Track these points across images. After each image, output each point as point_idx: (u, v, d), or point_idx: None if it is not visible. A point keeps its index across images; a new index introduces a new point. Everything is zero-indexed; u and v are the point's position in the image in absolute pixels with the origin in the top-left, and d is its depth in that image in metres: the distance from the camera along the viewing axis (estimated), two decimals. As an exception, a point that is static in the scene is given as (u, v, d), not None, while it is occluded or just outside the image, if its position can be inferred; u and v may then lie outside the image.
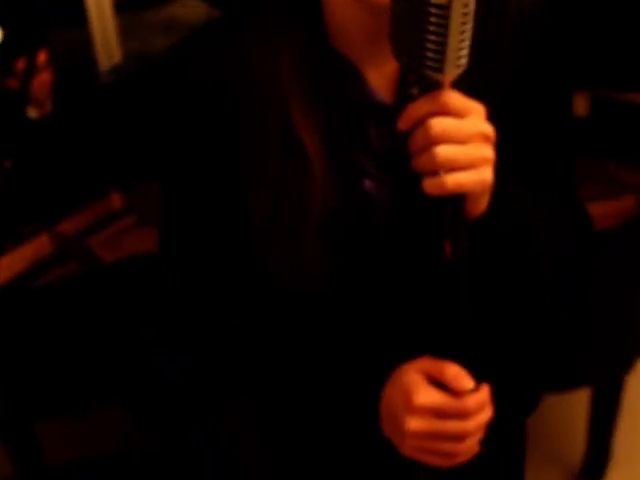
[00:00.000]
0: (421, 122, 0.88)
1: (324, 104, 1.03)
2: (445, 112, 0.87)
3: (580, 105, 2.96)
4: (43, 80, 3.42)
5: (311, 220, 1.02)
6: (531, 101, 1.09)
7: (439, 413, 0.97)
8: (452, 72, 0.85)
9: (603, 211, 2.59)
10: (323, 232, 1.02)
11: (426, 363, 1.00)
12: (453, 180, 0.88)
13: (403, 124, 0.90)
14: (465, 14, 0.83)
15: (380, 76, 1.05)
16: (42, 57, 3.43)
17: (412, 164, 0.90)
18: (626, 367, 2.50)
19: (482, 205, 0.96)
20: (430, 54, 0.83)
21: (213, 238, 1.10)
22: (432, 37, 0.82)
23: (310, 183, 1.02)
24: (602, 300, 2.32)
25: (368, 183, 1.05)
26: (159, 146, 1.13)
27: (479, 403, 0.99)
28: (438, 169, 0.87)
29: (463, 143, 0.88)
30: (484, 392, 0.99)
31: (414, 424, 0.97)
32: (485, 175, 0.91)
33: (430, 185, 0.88)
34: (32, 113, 3.42)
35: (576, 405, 2.88)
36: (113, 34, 3.57)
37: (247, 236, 1.06)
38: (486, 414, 1.00)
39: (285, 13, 1.04)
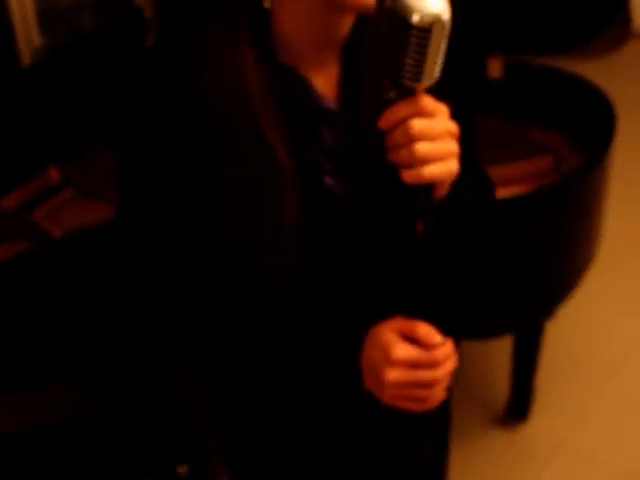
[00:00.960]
0: (400, 122, 1.07)
1: (284, 112, 1.19)
2: (420, 114, 1.06)
3: (494, 68, 3.16)
4: None
5: (284, 217, 1.19)
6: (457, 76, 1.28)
7: (414, 364, 1.16)
8: (427, 82, 1.04)
9: (520, 172, 2.82)
10: (295, 226, 1.19)
11: (399, 323, 1.19)
12: (429, 171, 1.07)
13: (384, 124, 1.08)
14: (443, 36, 1.00)
15: (325, 82, 1.23)
16: None
17: (389, 157, 1.09)
18: (546, 315, 2.76)
19: (445, 189, 1.15)
20: (410, 68, 1.01)
21: (173, 238, 1.24)
22: (413, 54, 1.00)
23: (281, 184, 1.18)
24: (521, 254, 2.55)
25: (327, 179, 1.24)
26: (126, 147, 1.24)
27: (446, 354, 1.18)
28: (416, 163, 1.07)
29: (435, 140, 1.07)
30: (449, 345, 1.20)
31: (393, 375, 1.16)
32: (452, 166, 1.10)
33: (409, 176, 1.07)
34: None
35: (499, 350, 3.13)
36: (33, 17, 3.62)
37: (216, 237, 1.22)
38: (451, 363, 1.20)
39: (237, 29, 1.17)
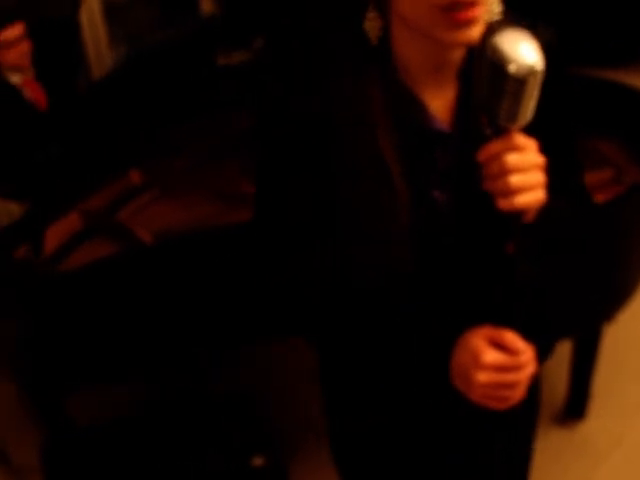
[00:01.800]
0: (496, 156, 1.24)
1: (400, 131, 1.37)
2: (513, 150, 1.24)
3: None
4: (22, 50, 3.72)
5: (395, 223, 1.37)
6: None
7: (500, 368, 1.34)
8: (521, 123, 1.22)
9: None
10: (404, 231, 1.38)
11: (488, 330, 1.36)
12: (520, 200, 1.24)
13: (482, 157, 1.26)
14: (537, 84, 1.17)
15: (440, 105, 1.40)
16: (19, 30, 3.72)
17: (485, 185, 1.27)
18: (607, 319, 2.90)
19: (533, 214, 1.33)
20: (505, 111, 1.19)
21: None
22: (508, 100, 1.18)
23: (393, 195, 1.37)
24: (586, 262, 2.70)
25: (435, 193, 1.41)
26: (262, 152, 1.45)
27: (528, 360, 1.36)
28: (509, 192, 1.25)
29: (526, 172, 1.25)
30: (530, 351, 1.38)
31: (482, 377, 1.34)
32: (540, 195, 1.27)
33: (503, 203, 1.25)
34: (14, 79, 3.74)
35: (558, 350, 3.28)
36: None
37: (338, 240, 1.41)
38: (532, 367, 1.38)
39: (360, 53, 1.37)
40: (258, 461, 2.88)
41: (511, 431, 1.66)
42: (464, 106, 1.39)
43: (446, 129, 1.40)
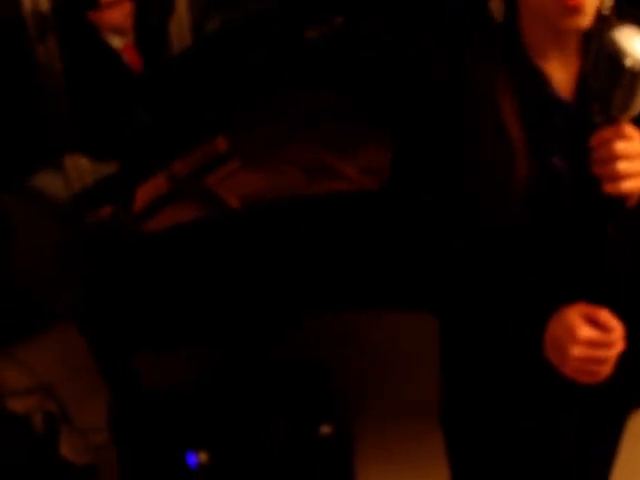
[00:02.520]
0: (605, 143, 1.34)
1: (523, 102, 1.51)
2: (622, 138, 1.34)
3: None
4: (124, 11, 3.76)
5: (516, 185, 1.51)
6: None
7: (594, 344, 1.44)
8: (632, 114, 1.31)
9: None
10: (522, 192, 1.51)
11: (584, 307, 1.47)
12: (626, 186, 1.34)
13: (594, 143, 1.36)
14: None
15: (562, 77, 1.53)
16: None
17: (593, 169, 1.37)
18: None
19: (635, 200, 1.42)
20: (618, 102, 1.28)
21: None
22: (622, 92, 1.27)
23: (512, 155, 1.50)
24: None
25: (556, 160, 1.53)
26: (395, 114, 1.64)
27: (619, 338, 1.46)
28: (616, 177, 1.34)
29: (633, 160, 1.34)
30: (622, 330, 1.47)
31: (577, 351, 1.44)
32: None
33: (610, 187, 1.35)
34: (115, 42, 3.80)
35: None
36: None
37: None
38: (621, 345, 1.47)
39: (495, 38, 1.54)
40: (326, 429, 3.00)
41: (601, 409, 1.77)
42: (585, 80, 1.50)
43: (568, 100, 1.53)
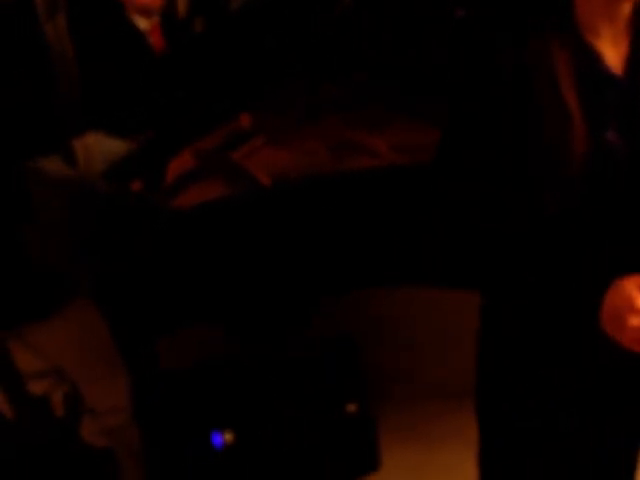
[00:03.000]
0: None
1: (577, 78, 1.55)
2: None
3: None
4: None
5: (573, 157, 1.54)
6: None
7: None
8: None
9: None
10: (579, 166, 1.55)
11: None
12: None
13: None
14: None
15: (614, 55, 1.58)
16: None
17: None
18: None
19: None
20: None
21: (488, 163, 1.61)
22: None
23: (571, 132, 1.54)
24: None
25: (610, 134, 1.57)
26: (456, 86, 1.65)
27: None
28: None
29: None
30: None
31: (635, 321, 1.46)
32: None
33: None
34: (141, 24, 3.82)
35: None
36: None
37: (519, 167, 1.58)
38: None
39: (550, 18, 1.58)
40: (351, 408, 3.02)
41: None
42: (635, 56, 1.59)
43: (620, 76, 1.58)
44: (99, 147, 3.28)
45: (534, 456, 1.85)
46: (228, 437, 2.98)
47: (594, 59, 1.57)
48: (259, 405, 3.03)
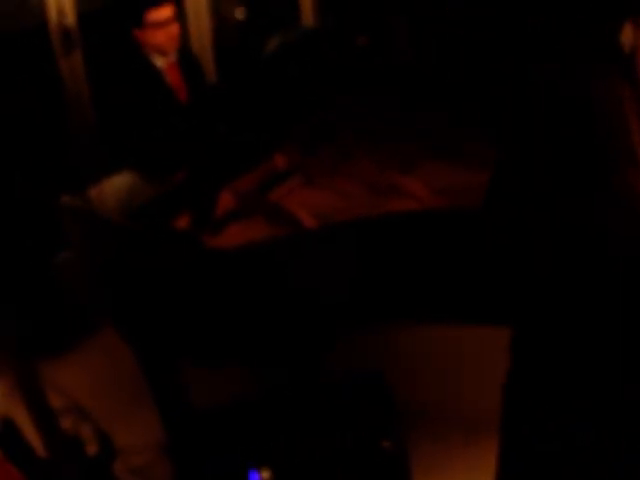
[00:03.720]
0: None
1: None
2: None
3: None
4: (171, 33, 3.81)
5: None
6: None
7: None
8: None
9: None
10: None
11: None
12: None
13: None
14: None
15: None
16: (169, 11, 3.80)
17: None
18: None
19: None
20: None
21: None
22: None
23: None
24: None
25: None
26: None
27: None
28: None
29: None
30: None
31: None
32: None
33: None
34: (158, 62, 3.85)
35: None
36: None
37: None
38: None
39: (615, 59, 1.69)
40: (386, 444, 3.10)
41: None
42: None
43: None
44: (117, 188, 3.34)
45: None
46: (265, 475, 3.03)
47: None
48: (296, 442, 3.10)
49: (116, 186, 3.27)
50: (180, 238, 2.93)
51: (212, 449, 3.12)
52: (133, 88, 3.71)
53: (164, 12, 3.80)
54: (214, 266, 2.85)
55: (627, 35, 1.66)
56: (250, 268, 2.85)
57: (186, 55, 4.01)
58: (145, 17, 3.79)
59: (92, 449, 3.20)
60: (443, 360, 3.83)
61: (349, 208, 3.04)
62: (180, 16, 3.96)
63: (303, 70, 3.36)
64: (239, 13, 4.58)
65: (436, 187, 3.10)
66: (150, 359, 3.17)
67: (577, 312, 1.68)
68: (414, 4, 3.58)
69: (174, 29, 3.84)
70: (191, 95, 3.84)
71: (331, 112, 3.34)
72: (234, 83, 3.78)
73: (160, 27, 3.78)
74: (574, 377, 1.78)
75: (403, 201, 3.06)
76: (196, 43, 4.31)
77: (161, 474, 3.38)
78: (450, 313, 3.04)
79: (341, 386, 3.26)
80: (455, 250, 2.80)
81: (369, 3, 3.54)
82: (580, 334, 1.69)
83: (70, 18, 4.05)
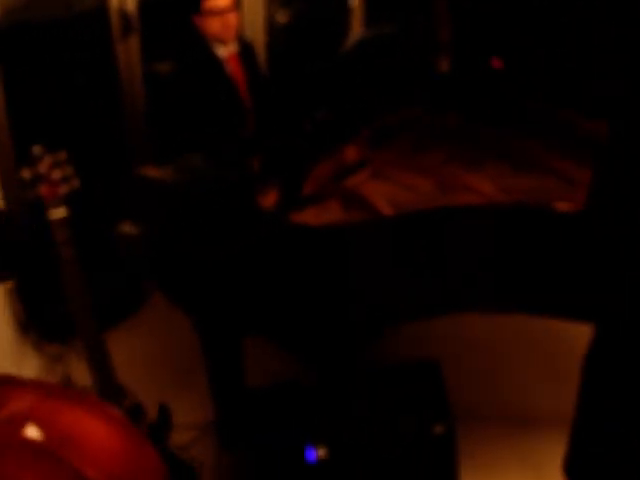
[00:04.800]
0: None
1: None
2: None
3: None
4: (227, 22, 3.94)
5: None
6: None
7: None
8: None
9: None
10: None
11: None
12: None
13: None
14: None
15: None
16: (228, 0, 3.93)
17: None
18: None
19: None
20: None
21: None
22: None
23: None
24: None
25: None
26: None
27: None
28: None
29: None
30: None
31: None
32: None
33: None
34: (220, 50, 3.99)
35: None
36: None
37: None
38: None
39: None
40: (439, 429, 3.29)
41: None
42: None
43: None
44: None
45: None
46: (322, 452, 3.19)
47: None
48: (352, 422, 3.27)
49: (187, 165, 3.41)
50: (267, 214, 3.08)
51: (269, 426, 3.27)
52: (195, 75, 3.84)
53: (222, 0, 3.91)
54: (302, 242, 3.00)
55: None
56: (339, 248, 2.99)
57: (247, 47, 4.15)
58: (203, 4, 3.91)
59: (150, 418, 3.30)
60: (497, 350, 4.02)
61: (417, 201, 3.21)
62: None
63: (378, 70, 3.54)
64: (282, 16, 4.73)
65: (501, 186, 3.28)
66: (215, 333, 3.29)
67: None
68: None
69: (232, 18, 3.95)
70: (251, 88, 3.99)
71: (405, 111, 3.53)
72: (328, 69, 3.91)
73: (217, 15, 3.90)
74: None
75: (470, 197, 3.23)
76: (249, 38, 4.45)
77: (206, 451, 3.52)
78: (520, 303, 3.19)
79: (398, 371, 3.45)
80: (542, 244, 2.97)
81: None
82: None
83: (130, 3, 4.18)
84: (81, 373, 3.46)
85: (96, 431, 1.49)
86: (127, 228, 3.32)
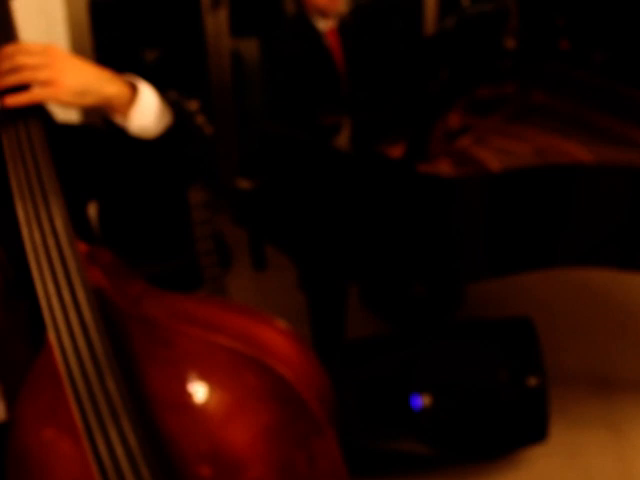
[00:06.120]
0: None
1: None
2: None
3: None
4: None
5: None
6: None
7: None
8: None
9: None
10: None
11: None
12: None
13: None
14: None
15: None
16: None
17: None
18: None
19: None
20: None
21: None
22: None
23: None
24: None
25: None
26: None
27: None
28: None
29: None
30: None
31: None
32: None
33: None
34: (320, 24, 4.21)
35: None
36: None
37: None
38: None
39: None
40: (532, 381, 3.54)
41: None
42: None
43: None
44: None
45: None
46: (426, 400, 3.42)
47: None
48: (454, 372, 3.52)
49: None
50: (395, 163, 3.31)
51: (374, 372, 3.51)
52: (297, 47, 4.05)
53: None
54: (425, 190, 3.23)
55: None
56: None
57: (347, 23, 4.35)
58: None
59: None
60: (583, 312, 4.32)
61: (520, 164, 3.45)
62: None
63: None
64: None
65: (599, 156, 3.50)
66: (323, 278, 3.50)
67: None
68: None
69: None
70: (348, 63, 4.20)
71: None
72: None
73: None
74: None
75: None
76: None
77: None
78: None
79: (494, 325, 3.70)
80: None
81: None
82: None
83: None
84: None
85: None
86: (244, 183, 3.53)
